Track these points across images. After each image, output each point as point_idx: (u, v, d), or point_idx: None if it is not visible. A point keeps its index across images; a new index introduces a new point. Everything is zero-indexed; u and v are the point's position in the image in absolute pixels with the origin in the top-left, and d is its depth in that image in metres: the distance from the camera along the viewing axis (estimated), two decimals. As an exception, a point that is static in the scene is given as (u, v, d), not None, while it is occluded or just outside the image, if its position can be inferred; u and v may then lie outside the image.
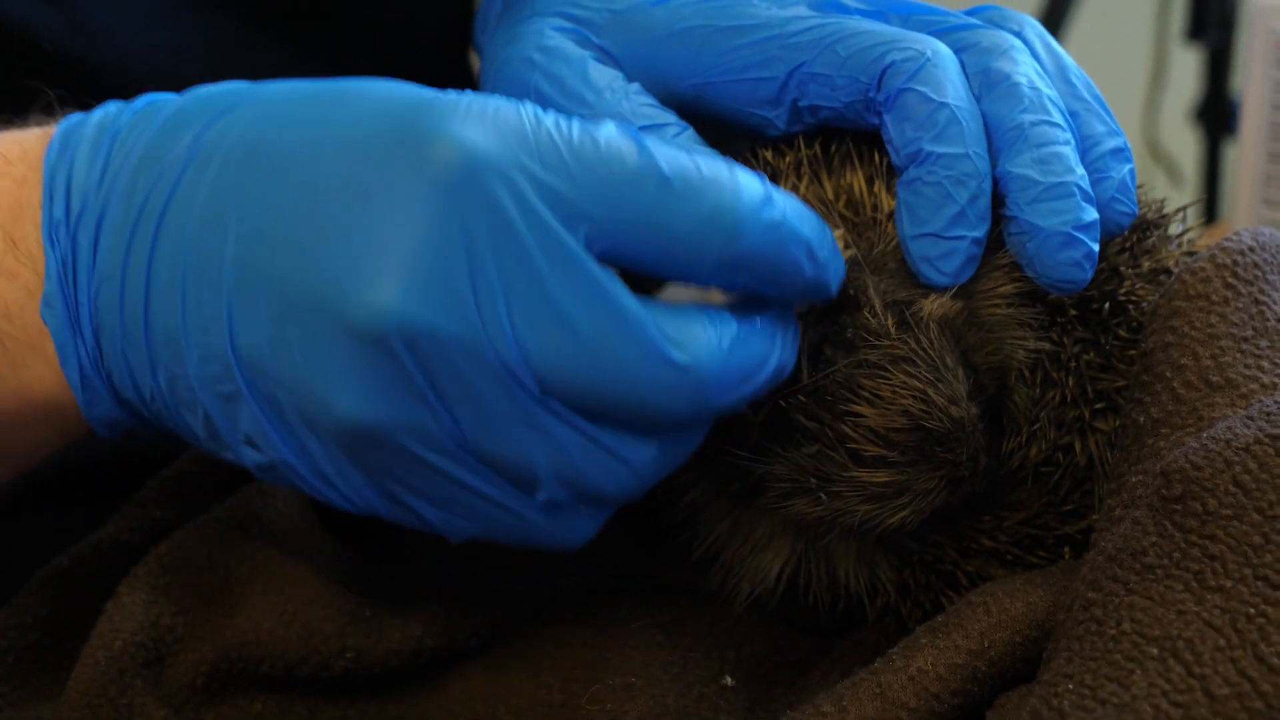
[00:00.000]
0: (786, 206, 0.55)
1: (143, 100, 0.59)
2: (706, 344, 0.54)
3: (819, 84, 0.64)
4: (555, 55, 0.68)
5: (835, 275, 0.58)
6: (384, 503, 0.55)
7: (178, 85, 0.83)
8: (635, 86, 0.67)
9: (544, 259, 0.51)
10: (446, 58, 1.01)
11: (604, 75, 0.67)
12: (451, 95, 0.52)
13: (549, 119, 0.52)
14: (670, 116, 0.66)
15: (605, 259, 0.53)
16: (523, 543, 0.57)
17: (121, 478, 0.75)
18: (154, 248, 0.54)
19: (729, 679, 0.67)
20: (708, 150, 0.57)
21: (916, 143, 0.61)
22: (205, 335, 0.53)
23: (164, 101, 0.58)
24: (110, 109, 0.59)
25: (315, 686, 0.68)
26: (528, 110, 0.52)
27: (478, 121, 0.51)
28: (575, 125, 0.52)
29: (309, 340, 0.51)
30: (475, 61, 1.13)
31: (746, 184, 0.54)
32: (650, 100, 0.67)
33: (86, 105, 0.82)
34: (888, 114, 0.62)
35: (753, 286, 0.56)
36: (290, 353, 0.52)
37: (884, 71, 0.62)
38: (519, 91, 0.68)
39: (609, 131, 0.53)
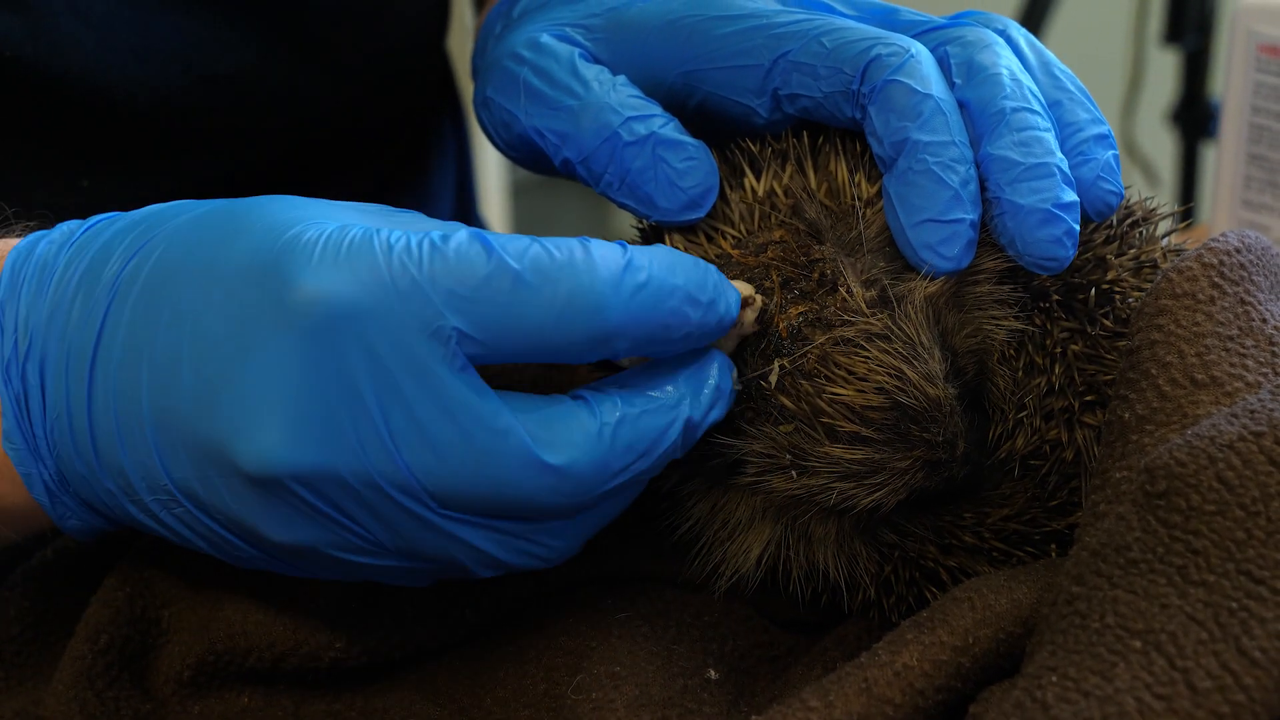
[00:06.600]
0: (652, 264, 0.57)
1: (81, 228, 0.61)
2: (584, 438, 0.57)
3: (801, 73, 0.65)
4: (544, 51, 0.69)
5: (727, 307, 0.60)
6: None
7: (147, 92, 0.83)
8: (621, 79, 0.68)
9: (410, 386, 0.54)
10: (421, 51, 1.01)
11: (590, 69, 0.68)
12: (310, 235, 0.55)
13: (399, 244, 0.55)
14: (655, 107, 0.67)
15: (481, 361, 0.55)
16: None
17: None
18: (90, 389, 0.58)
19: (713, 672, 0.68)
20: (556, 243, 0.58)
21: (903, 132, 0.62)
22: (144, 470, 0.57)
23: (95, 232, 0.61)
24: (55, 237, 0.62)
25: (302, 679, 0.68)
26: (380, 240, 0.55)
27: (332, 266, 0.54)
28: (425, 246, 0.55)
29: (225, 482, 0.55)
30: (461, 69, 1.13)
31: (603, 257, 0.56)
32: (636, 91, 0.67)
33: (51, 114, 0.81)
34: (871, 105, 0.63)
35: (641, 350, 0.58)
36: (216, 488, 0.56)
37: (869, 64, 0.63)
38: (508, 85, 0.69)
39: (458, 242, 0.55)
